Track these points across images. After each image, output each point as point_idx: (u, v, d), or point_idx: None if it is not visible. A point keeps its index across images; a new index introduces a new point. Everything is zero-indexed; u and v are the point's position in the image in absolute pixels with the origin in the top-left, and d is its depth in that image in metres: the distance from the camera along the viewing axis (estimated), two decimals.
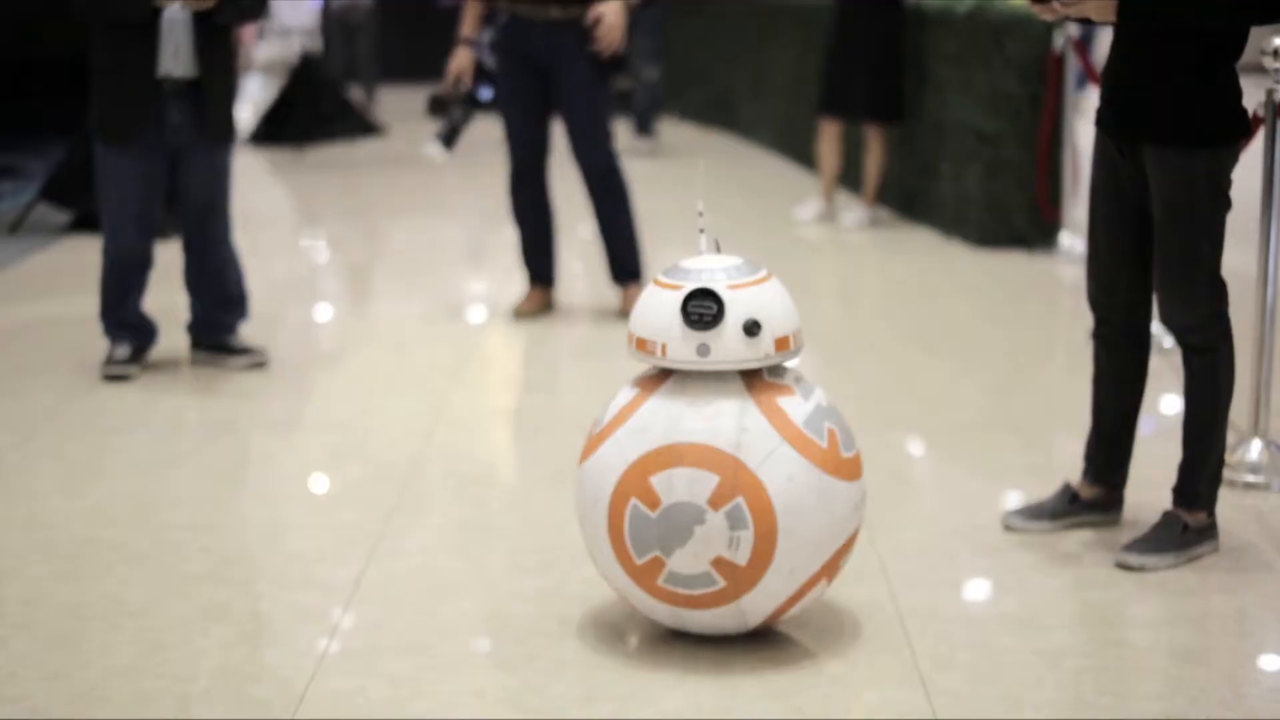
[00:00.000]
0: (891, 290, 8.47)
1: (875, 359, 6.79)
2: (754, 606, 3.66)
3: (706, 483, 3.55)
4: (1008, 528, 4.59)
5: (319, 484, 5.20)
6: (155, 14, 5.85)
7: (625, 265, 7.40)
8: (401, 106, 16.83)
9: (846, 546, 3.73)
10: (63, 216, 9.45)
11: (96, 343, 6.41)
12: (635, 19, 12.97)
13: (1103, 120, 4.32)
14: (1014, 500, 4.83)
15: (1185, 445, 4.38)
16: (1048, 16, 4.24)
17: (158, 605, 4.06)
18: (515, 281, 8.41)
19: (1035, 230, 8.86)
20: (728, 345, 3.60)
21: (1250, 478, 4.97)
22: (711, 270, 3.67)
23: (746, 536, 3.55)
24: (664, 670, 3.69)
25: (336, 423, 5.83)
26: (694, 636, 3.80)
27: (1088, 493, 4.59)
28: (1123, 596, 4.16)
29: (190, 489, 5.03)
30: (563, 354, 7.04)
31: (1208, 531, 4.39)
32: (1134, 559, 4.28)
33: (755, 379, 3.68)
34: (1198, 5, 4.01)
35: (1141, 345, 4.49)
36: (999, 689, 3.62)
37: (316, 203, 11.40)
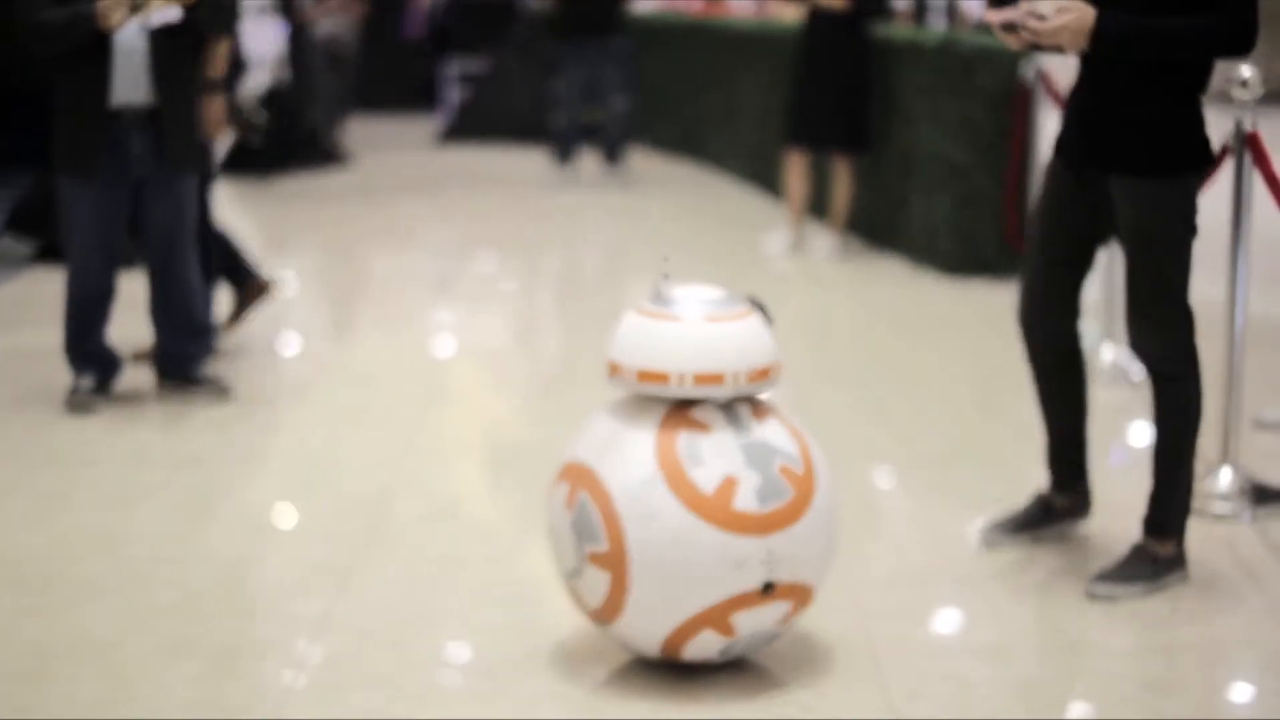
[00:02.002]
0: (861, 320, 8.47)
1: (845, 389, 6.78)
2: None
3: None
4: (987, 543, 4.66)
5: (286, 517, 5.17)
6: (106, 42, 5.83)
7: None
8: (363, 135, 16.81)
9: (736, 604, 3.60)
10: (27, 247, 9.41)
11: (60, 375, 6.37)
12: (606, 49, 13.05)
13: (1067, 150, 4.36)
14: None
15: (1155, 476, 4.40)
16: (1015, 45, 4.25)
17: (125, 639, 4.03)
18: (483, 313, 8.41)
19: (1004, 260, 8.87)
20: None
21: (1221, 508, 4.98)
22: (696, 302, 3.68)
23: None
24: (633, 701, 3.67)
25: (304, 455, 5.80)
26: (663, 669, 3.78)
27: (1060, 502, 4.71)
28: (1094, 627, 4.16)
29: (156, 522, 5.00)
30: (531, 386, 7.02)
31: (1176, 561, 4.40)
32: (1103, 589, 4.29)
33: (675, 412, 3.67)
34: (1168, 38, 4.05)
35: (1075, 356, 4.58)
36: None
37: (284, 233, 11.37)
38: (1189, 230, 4.23)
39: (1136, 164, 4.19)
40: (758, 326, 3.68)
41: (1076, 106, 4.32)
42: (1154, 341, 4.29)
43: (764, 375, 3.65)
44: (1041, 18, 4.11)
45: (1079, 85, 4.31)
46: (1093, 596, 4.29)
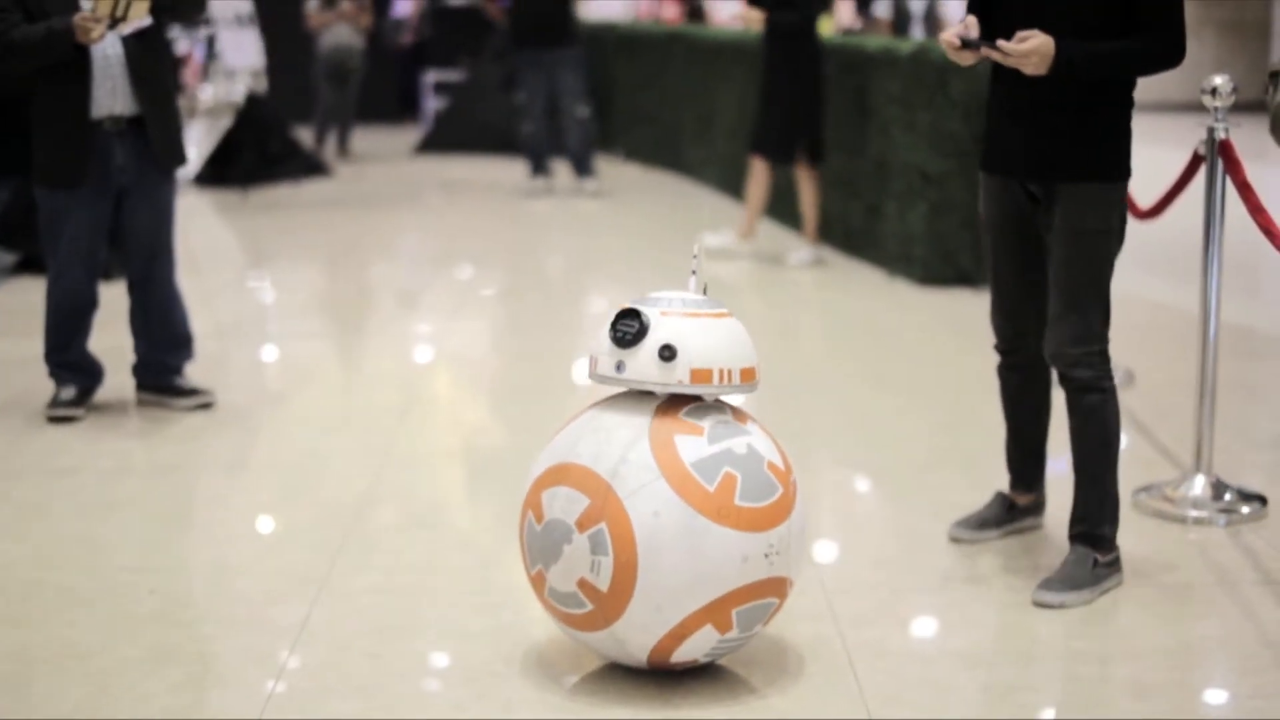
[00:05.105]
0: (837, 328, 8.50)
1: (821, 397, 6.81)
2: (631, 638, 3.66)
3: (578, 504, 3.62)
4: (954, 539, 4.80)
5: (266, 525, 5.18)
6: (84, 54, 5.84)
7: None
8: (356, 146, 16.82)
9: (738, 597, 3.62)
10: (8, 258, 9.41)
11: (42, 384, 6.38)
12: (558, 58, 13.00)
13: (1002, 164, 4.48)
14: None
15: (1085, 487, 4.46)
16: (965, 61, 4.36)
17: (105, 648, 4.04)
18: (460, 321, 8.42)
19: (979, 268, 8.91)
20: (641, 365, 3.65)
21: (1194, 513, 5.01)
22: (676, 300, 3.71)
23: (606, 563, 3.58)
24: (610, 707, 3.69)
25: (283, 463, 5.81)
26: (640, 675, 3.80)
27: (1023, 500, 4.88)
28: (1071, 632, 4.18)
29: (137, 531, 5.01)
30: (508, 394, 7.04)
31: (1115, 564, 4.47)
32: (1053, 597, 4.33)
33: (667, 412, 3.69)
34: (1114, 59, 4.25)
35: (1042, 361, 4.65)
36: None
37: (262, 243, 11.38)
38: (1122, 234, 4.42)
39: (1091, 171, 4.34)
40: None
41: (1016, 124, 4.42)
42: (1080, 345, 4.36)
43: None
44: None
45: (1017, 104, 4.40)
46: (1041, 605, 4.32)
